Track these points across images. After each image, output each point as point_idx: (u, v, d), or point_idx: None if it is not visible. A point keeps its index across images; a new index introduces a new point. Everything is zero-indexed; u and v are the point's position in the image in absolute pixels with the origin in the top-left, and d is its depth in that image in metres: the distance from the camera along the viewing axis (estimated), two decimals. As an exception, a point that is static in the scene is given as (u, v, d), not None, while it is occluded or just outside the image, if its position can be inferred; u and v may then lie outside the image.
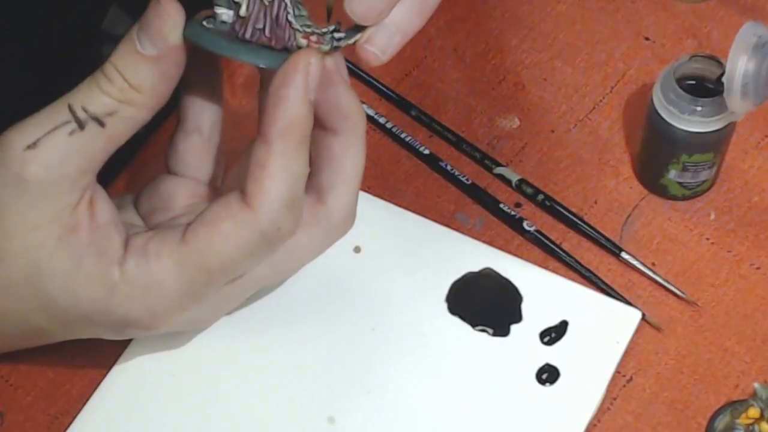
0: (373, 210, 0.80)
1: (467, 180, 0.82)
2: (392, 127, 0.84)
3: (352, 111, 0.67)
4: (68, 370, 0.75)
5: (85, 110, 0.64)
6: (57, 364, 0.76)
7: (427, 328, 0.76)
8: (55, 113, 0.64)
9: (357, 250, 0.78)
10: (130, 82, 0.64)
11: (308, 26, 0.66)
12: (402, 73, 0.87)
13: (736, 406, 0.74)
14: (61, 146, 0.64)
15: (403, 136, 0.84)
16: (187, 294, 0.65)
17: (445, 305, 0.77)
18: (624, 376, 0.76)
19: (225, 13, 0.65)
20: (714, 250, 0.80)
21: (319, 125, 0.67)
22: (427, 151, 0.83)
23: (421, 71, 0.87)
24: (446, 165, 0.83)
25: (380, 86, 0.86)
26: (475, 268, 0.78)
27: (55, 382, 0.75)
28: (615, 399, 0.75)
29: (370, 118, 0.84)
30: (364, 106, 0.85)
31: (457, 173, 0.82)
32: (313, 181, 0.68)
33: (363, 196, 0.80)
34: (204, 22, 0.65)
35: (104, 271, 0.65)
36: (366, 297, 0.76)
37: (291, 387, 0.74)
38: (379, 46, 0.66)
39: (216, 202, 0.66)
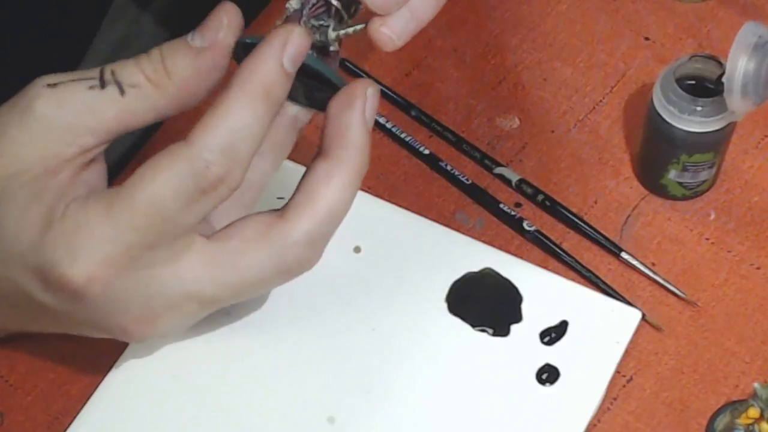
0: (373, 210, 0.80)
1: (467, 180, 0.82)
2: (392, 127, 0.84)
3: (352, 143, 0.66)
4: (68, 370, 0.76)
5: (113, 74, 0.65)
6: (57, 364, 0.76)
7: (427, 328, 0.76)
8: (88, 71, 0.65)
9: (357, 250, 0.78)
10: (166, 64, 0.65)
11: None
12: (402, 73, 0.87)
13: (736, 406, 0.74)
14: (76, 96, 0.64)
15: (403, 136, 0.84)
16: (111, 241, 0.63)
17: (445, 305, 0.77)
18: (624, 376, 0.76)
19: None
20: (714, 250, 0.80)
21: (319, 149, 0.67)
22: (427, 151, 0.83)
23: (421, 71, 0.87)
24: (446, 165, 0.83)
25: (380, 86, 0.86)
26: (475, 268, 0.78)
27: (55, 382, 0.75)
28: (615, 399, 0.75)
29: (370, 118, 0.85)
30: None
31: (457, 173, 0.82)
32: (288, 201, 0.67)
33: (363, 196, 0.80)
34: None
35: (52, 208, 0.64)
36: (366, 297, 0.76)
37: (291, 387, 0.74)
38: (395, 30, 0.67)
39: None
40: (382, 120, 0.84)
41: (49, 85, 0.64)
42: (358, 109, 0.66)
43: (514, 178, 0.82)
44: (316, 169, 0.66)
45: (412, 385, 0.74)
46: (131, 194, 0.63)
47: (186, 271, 0.65)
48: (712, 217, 0.81)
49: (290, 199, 0.66)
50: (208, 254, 0.65)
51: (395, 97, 0.85)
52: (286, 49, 0.64)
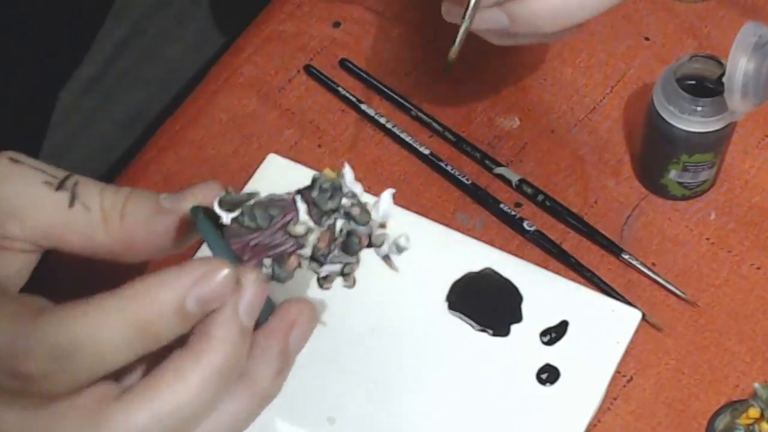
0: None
1: (467, 180, 0.82)
2: (392, 127, 0.84)
3: (214, 335, 0.55)
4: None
5: (75, 184, 0.60)
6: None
7: (427, 328, 0.76)
8: (57, 170, 0.61)
9: (357, 250, 0.78)
10: (126, 204, 0.60)
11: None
12: (402, 73, 0.87)
13: (736, 406, 0.74)
14: (28, 181, 0.60)
15: (403, 136, 0.84)
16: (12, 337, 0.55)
17: (445, 305, 0.77)
18: (624, 376, 0.76)
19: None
20: (714, 250, 0.80)
21: None
22: (427, 151, 0.83)
23: (421, 71, 0.87)
24: (446, 165, 0.83)
25: (380, 86, 0.86)
26: (475, 268, 0.78)
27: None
28: (615, 399, 0.75)
29: (370, 118, 0.85)
30: (364, 106, 0.85)
31: (457, 173, 0.82)
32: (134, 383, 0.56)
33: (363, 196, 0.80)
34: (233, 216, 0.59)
35: None
36: (366, 297, 0.76)
37: (291, 387, 0.74)
38: None
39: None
40: (382, 120, 0.84)
41: (11, 159, 0.60)
42: (226, 303, 0.56)
43: (514, 178, 0.82)
44: (172, 357, 0.56)
45: (412, 385, 0.74)
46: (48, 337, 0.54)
47: (2, 421, 0.57)
48: (713, 217, 0.81)
49: (137, 383, 0.56)
50: (26, 415, 0.56)
51: (395, 97, 0.85)
52: (193, 289, 0.54)
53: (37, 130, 0.87)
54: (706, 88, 0.78)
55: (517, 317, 0.76)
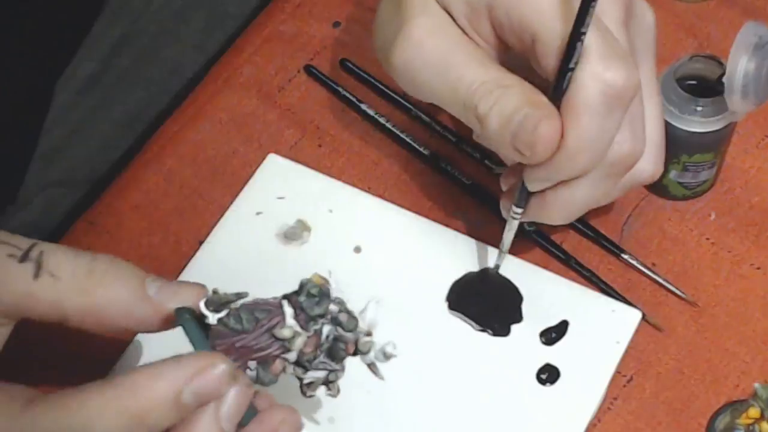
0: (373, 210, 0.80)
1: (467, 180, 0.82)
2: (392, 127, 0.84)
3: None
4: (68, 371, 0.75)
5: (41, 254, 0.59)
6: (57, 365, 0.76)
7: (428, 328, 0.76)
8: (22, 240, 0.60)
9: (357, 250, 0.78)
10: (105, 276, 0.59)
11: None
12: (402, 73, 0.87)
13: (736, 406, 0.74)
14: None
15: (403, 136, 0.84)
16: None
17: (445, 305, 0.77)
18: (624, 376, 0.76)
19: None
20: (714, 250, 0.80)
21: None
22: (427, 151, 0.83)
23: (421, 71, 0.87)
24: (446, 165, 0.83)
25: (380, 86, 0.86)
26: (475, 268, 0.78)
27: (56, 383, 0.75)
28: (615, 399, 0.75)
29: (370, 118, 0.84)
30: (364, 106, 0.85)
31: (457, 173, 0.82)
32: None
33: (363, 196, 0.80)
34: (219, 316, 0.61)
35: None
36: (366, 297, 0.76)
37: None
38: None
39: None
40: (382, 120, 0.84)
41: None
42: (212, 404, 0.57)
43: (514, 178, 0.82)
44: None
45: (412, 385, 0.74)
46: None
47: None
48: (713, 217, 0.81)
49: None
50: None
51: (395, 97, 0.85)
52: (191, 382, 0.56)
53: (33, 127, 0.86)
54: (706, 88, 0.78)
55: (517, 317, 0.76)
